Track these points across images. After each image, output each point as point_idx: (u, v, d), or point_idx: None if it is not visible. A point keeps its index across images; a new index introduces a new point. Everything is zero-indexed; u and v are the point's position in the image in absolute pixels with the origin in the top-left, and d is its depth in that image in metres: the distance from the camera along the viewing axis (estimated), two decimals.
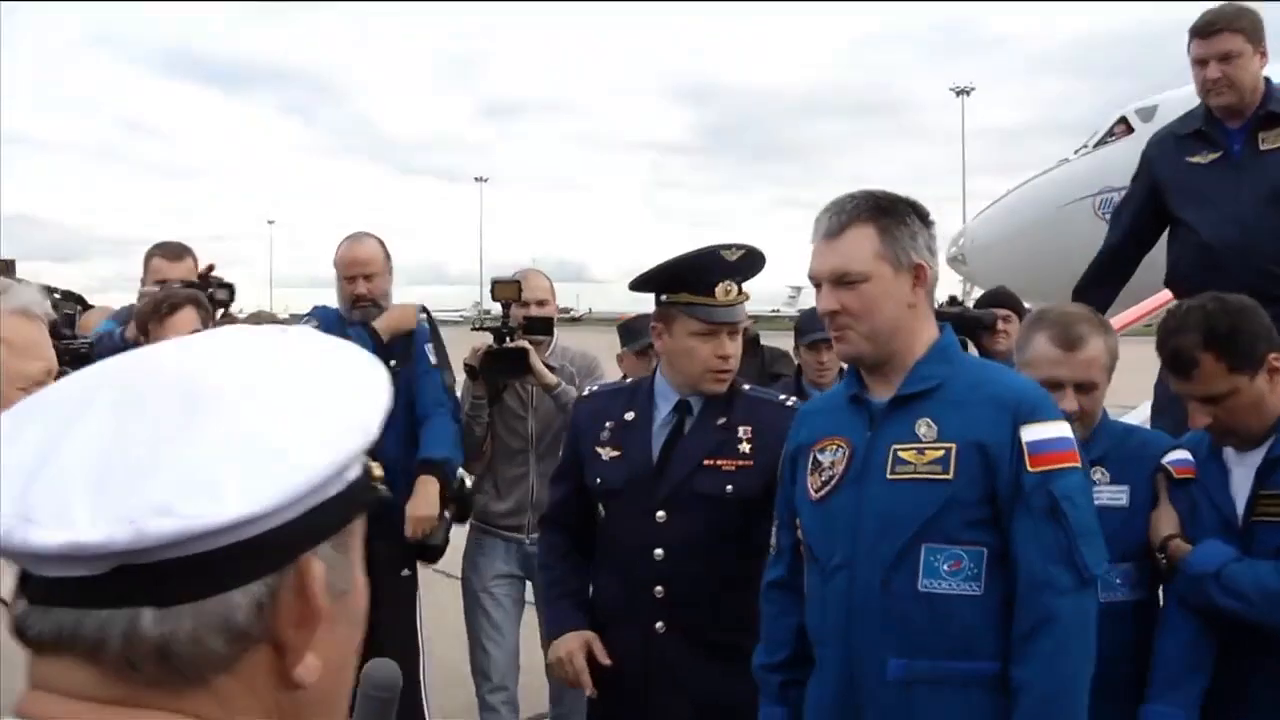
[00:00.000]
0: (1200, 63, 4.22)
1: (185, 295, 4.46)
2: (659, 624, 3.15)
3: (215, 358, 0.87)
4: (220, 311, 4.90)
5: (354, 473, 0.89)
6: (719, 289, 3.16)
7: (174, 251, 5.21)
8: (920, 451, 2.47)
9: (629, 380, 3.57)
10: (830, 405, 2.76)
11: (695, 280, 3.18)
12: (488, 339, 4.67)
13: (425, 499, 4.53)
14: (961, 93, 73.50)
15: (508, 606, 4.82)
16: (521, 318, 4.73)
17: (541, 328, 4.80)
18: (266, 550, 0.82)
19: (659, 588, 3.15)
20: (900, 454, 2.49)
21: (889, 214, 2.55)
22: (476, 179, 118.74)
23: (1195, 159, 4.34)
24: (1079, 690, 2.37)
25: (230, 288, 4.91)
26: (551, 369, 4.68)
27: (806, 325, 5.44)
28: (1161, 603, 2.88)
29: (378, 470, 0.95)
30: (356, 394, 0.89)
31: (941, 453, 2.45)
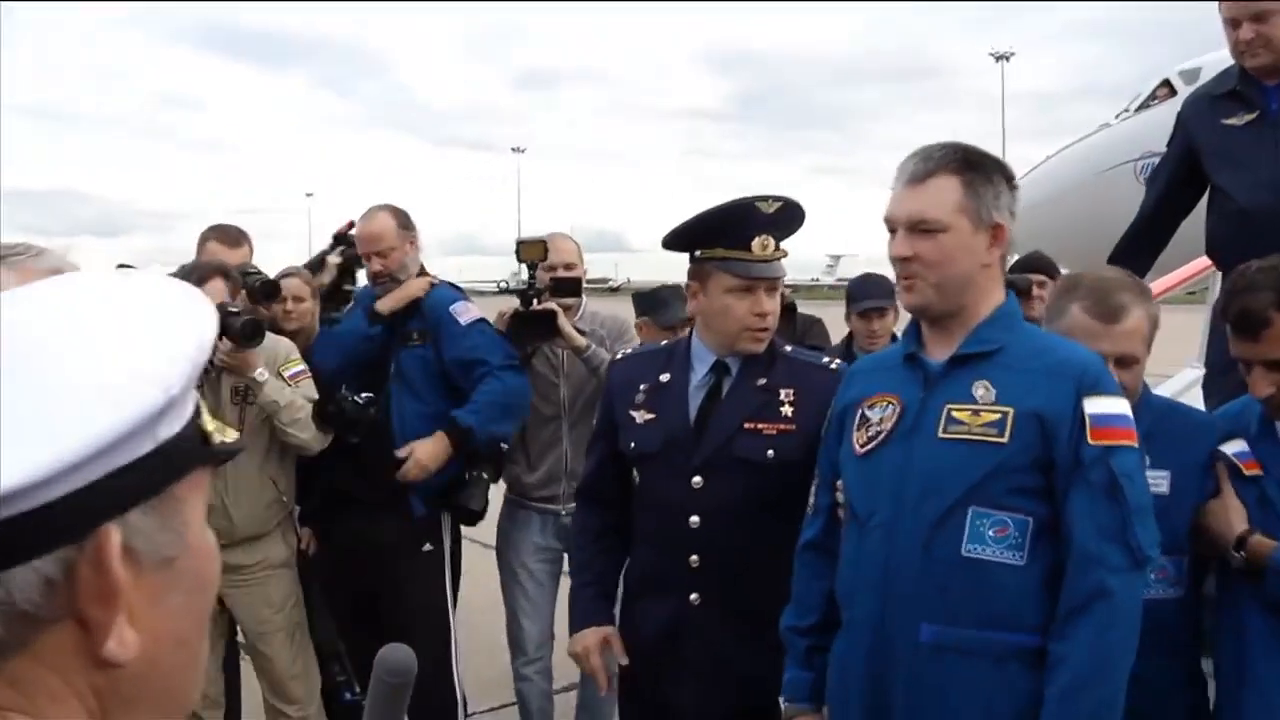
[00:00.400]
0: (1232, 23, 4.01)
1: (213, 267, 4.45)
2: (694, 595, 3.10)
3: (7, 311, 0.80)
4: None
5: (170, 429, 0.81)
6: (755, 243, 3.07)
7: (231, 237, 5.13)
8: (976, 413, 2.43)
9: (665, 343, 3.50)
10: (884, 364, 2.72)
11: (731, 234, 3.09)
12: (514, 303, 4.62)
13: (428, 449, 4.42)
14: (1001, 58, 72.63)
15: (543, 580, 4.78)
16: (549, 279, 4.62)
17: (569, 289, 4.69)
18: (50, 523, 0.74)
19: (694, 557, 3.09)
20: (954, 413, 2.45)
21: (976, 168, 2.50)
22: (513, 149, 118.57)
23: (1231, 120, 4.13)
24: (1120, 672, 2.31)
25: (272, 285, 4.75)
26: (581, 333, 4.61)
27: (858, 292, 5.43)
28: (1212, 601, 2.74)
29: (211, 424, 0.88)
30: (154, 345, 0.80)
31: (998, 416, 2.41)
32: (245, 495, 4.40)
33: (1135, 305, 2.72)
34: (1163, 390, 4.77)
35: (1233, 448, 2.71)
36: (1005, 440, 2.38)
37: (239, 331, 4.16)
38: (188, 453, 0.83)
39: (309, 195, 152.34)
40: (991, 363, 2.47)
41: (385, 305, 4.57)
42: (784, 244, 3.16)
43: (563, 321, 4.47)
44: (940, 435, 2.45)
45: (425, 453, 4.41)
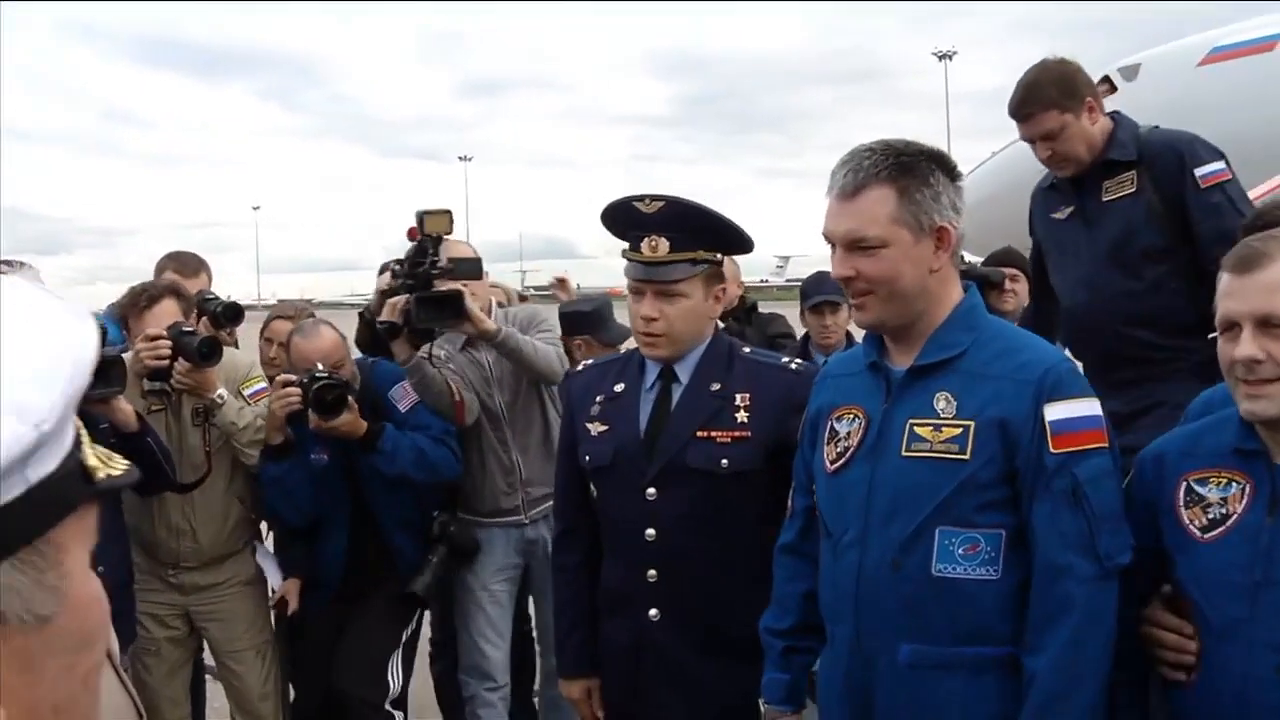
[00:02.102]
0: (1029, 142, 4.01)
1: (165, 286, 4.37)
2: (653, 611, 3.03)
3: None
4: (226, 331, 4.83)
5: (43, 468, 0.70)
6: (645, 245, 2.97)
7: (189, 266, 5.08)
8: (937, 429, 2.36)
9: (623, 350, 3.44)
10: (851, 369, 2.63)
11: (623, 235, 3.04)
12: (401, 299, 4.18)
13: (349, 419, 4.17)
14: (944, 57, 73.13)
15: (504, 601, 4.67)
16: (448, 259, 4.24)
17: (470, 271, 4.36)
18: None
19: (652, 571, 3.02)
20: (916, 429, 2.38)
21: (910, 172, 2.37)
22: (461, 158, 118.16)
23: (1056, 215, 4.13)
24: (1094, 684, 2.25)
25: (235, 308, 4.79)
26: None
27: (811, 289, 5.47)
28: None
29: (93, 457, 0.76)
30: (20, 371, 0.68)
31: (959, 430, 2.33)
32: (212, 516, 4.38)
33: None
34: None
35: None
36: (967, 457, 2.32)
37: (196, 351, 4.08)
38: (66, 493, 0.72)
39: (256, 208, 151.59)
40: (953, 369, 2.39)
41: (327, 431, 4.23)
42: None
43: (470, 303, 4.16)
44: (903, 453, 2.38)
45: (350, 422, 4.18)
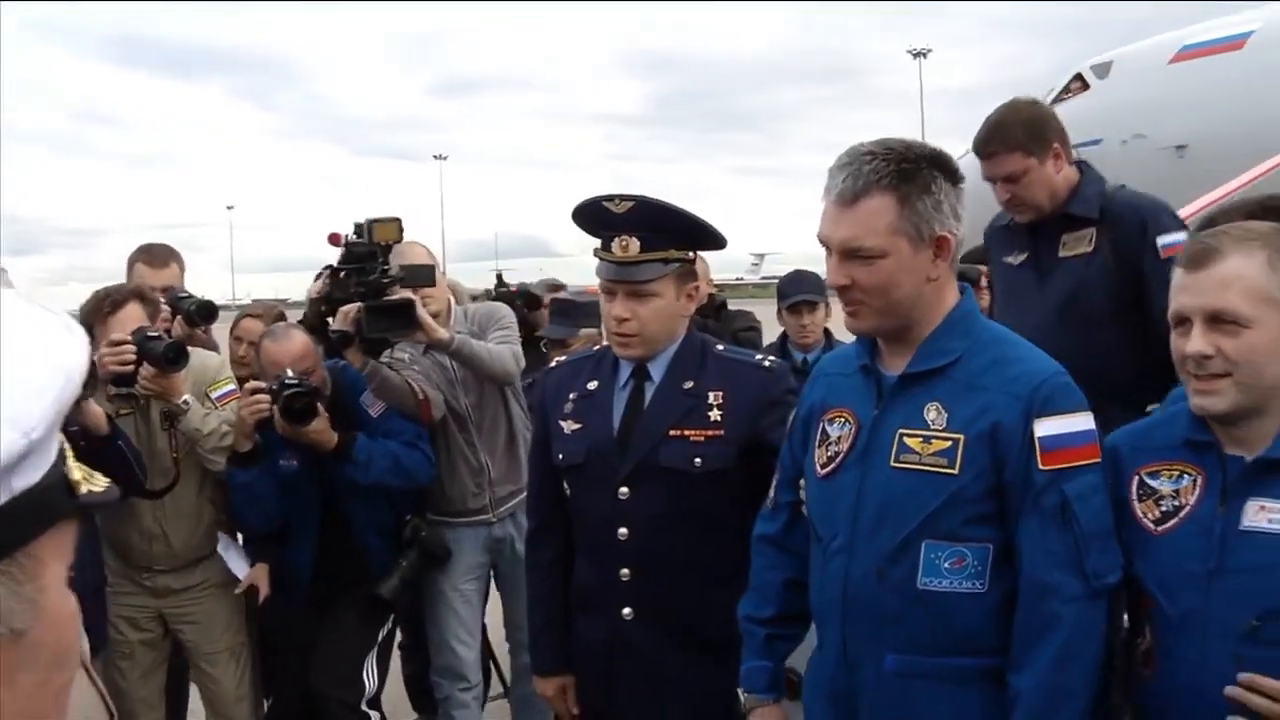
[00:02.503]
0: (990, 182, 3.87)
1: (130, 291, 4.32)
2: (626, 610, 3.03)
3: None
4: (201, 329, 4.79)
5: (28, 478, 0.70)
6: (615, 244, 2.96)
7: (159, 258, 5.01)
8: (926, 440, 2.32)
9: (597, 348, 3.40)
10: (845, 368, 2.57)
11: (595, 235, 3.04)
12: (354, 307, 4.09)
13: (322, 426, 4.15)
14: (918, 55, 73.35)
15: (473, 600, 4.70)
16: (400, 266, 4.18)
17: (423, 277, 4.31)
18: None
19: (625, 570, 3.02)
20: (906, 440, 2.34)
21: (911, 180, 2.29)
22: (436, 157, 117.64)
23: (1009, 259, 4.01)
24: (1079, 704, 2.23)
25: (209, 307, 4.75)
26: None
27: (788, 288, 5.49)
28: None
29: (78, 471, 0.76)
30: (12, 380, 0.68)
31: (948, 444, 2.30)
32: (184, 521, 4.35)
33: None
34: None
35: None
36: (956, 471, 2.28)
37: (161, 356, 4.03)
38: (49, 505, 0.71)
39: (230, 208, 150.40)
40: (945, 378, 2.35)
41: (297, 438, 4.22)
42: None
43: (422, 313, 4.10)
44: (893, 464, 2.35)
45: (320, 432, 4.17)
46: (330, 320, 4.15)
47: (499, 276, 6.05)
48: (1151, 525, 2.25)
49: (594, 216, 3.03)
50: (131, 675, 4.36)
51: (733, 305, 6.56)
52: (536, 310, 5.75)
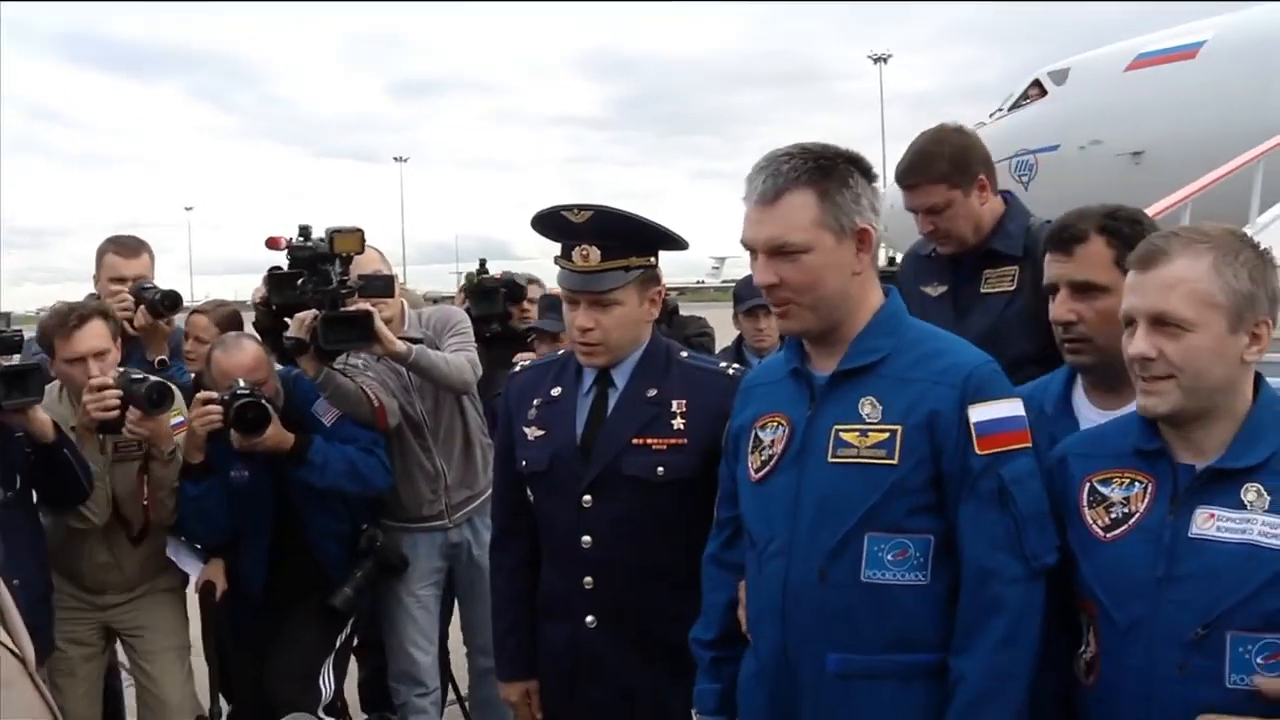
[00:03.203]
0: (913, 213, 3.73)
1: (93, 308, 4.21)
2: (589, 618, 3.01)
3: None
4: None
5: None
6: (576, 254, 2.95)
7: (129, 248, 4.89)
8: (863, 433, 2.34)
9: (562, 352, 3.35)
10: (772, 377, 2.60)
11: (553, 240, 3.02)
12: (311, 313, 4.06)
13: (275, 431, 4.10)
14: (879, 60, 73.76)
15: (431, 605, 4.69)
16: (357, 277, 4.13)
17: (380, 288, 4.26)
18: None
19: (588, 578, 3.00)
20: (842, 435, 2.36)
21: (829, 175, 2.35)
22: (396, 159, 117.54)
23: (927, 289, 3.84)
24: (1019, 686, 2.26)
25: (174, 296, 4.67)
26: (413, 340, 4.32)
27: (744, 292, 5.49)
28: None
29: None
30: None
31: (886, 435, 2.33)
32: (139, 551, 4.30)
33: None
34: None
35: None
36: (895, 462, 2.31)
37: (145, 398, 3.91)
38: None
39: (189, 209, 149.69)
40: (876, 374, 2.39)
41: (249, 448, 4.16)
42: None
43: (379, 324, 4.06)
44: (830, 460, 2.36)
45: (275, 436, 4.13)
46: (287, 320, 4.11)
47: (482, 263, 5.90)
48: (1101, 532, 2.25)
49: (554, 225, 3.00)
50: (73, 694, 4.26)
51: (694, 309, 6.57)
52: (519, 302, 5.67)
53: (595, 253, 2.93)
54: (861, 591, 2.33)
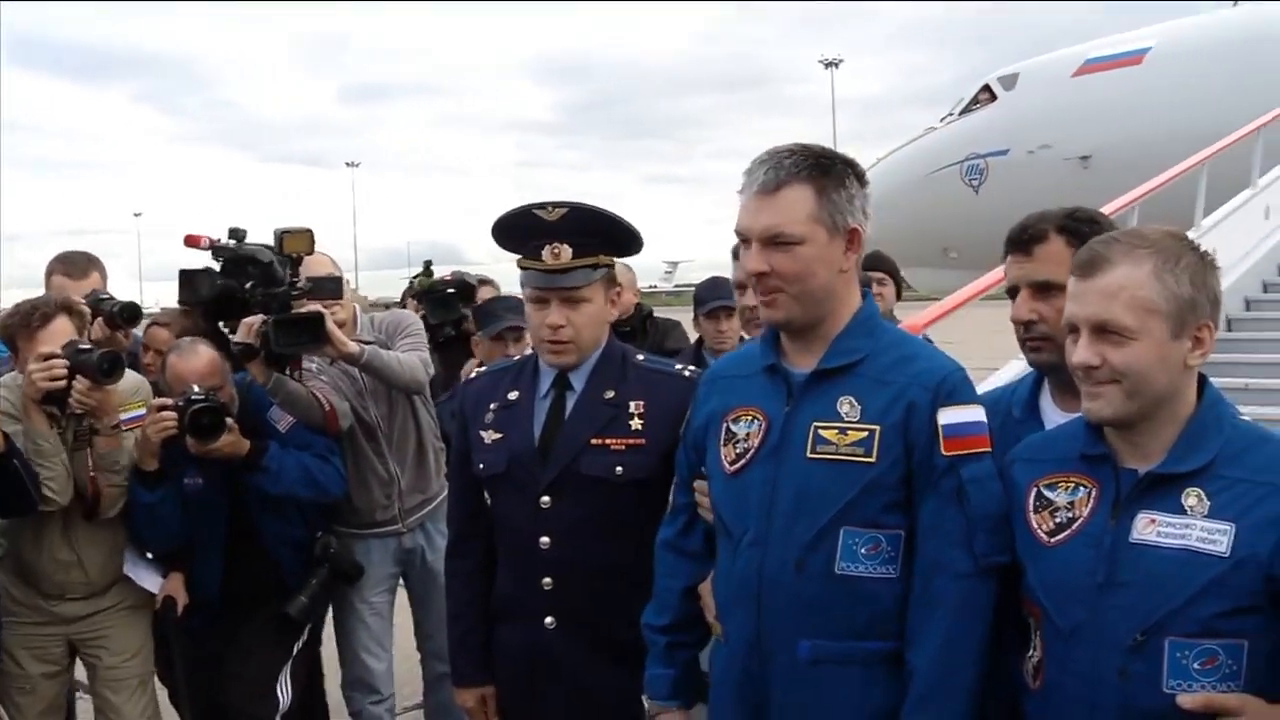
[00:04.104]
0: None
1: (59, 303, 4.11)
2: (548, 619, 3.01)
3: None
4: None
5: None
6: (546, 252, 2.96)
7: (78, 267, 4.75)
8: (843, 431, 2.41)
9: (517, 358, 3.37)
10: (743, 371, 2.64)
11: (522, 244, 3.02)
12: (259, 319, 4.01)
13: (232, 439, 4.04)
14: (830, 65, 74.18)
15: (383, 611, 4.67)
16: (307, 279, 4.11)
17: (330, 290, 4.24)
18: None
19: (547, 579, 3.00)
20: (821, 432, 2.42)
21: (828, 174, 2.44)
22: (348, 164, 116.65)
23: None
24: (968, 676, 2.33)
25: (132, 308, 4.55)
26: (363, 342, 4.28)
27: (705, 295, 5.49)
28: None
29: None
30: None
31: (865, 434, 2.40)
32: (100, 546, 4.19)
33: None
34: (992, 382, 4.92)
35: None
36: (874, 460, 2.38)
37: (95, 368, 3.84)
38: None
39: (138, 214, 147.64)
40: (855, 375, 2.45)
41: (205, 454, 4.08)
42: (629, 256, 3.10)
43: (331, 326, 4.04)
44: (809, 455, 2.42)
45: (232, 443, 4.06)
46: (223, 324, 4.08)
47: (427, 265, 5.84)
48: (1045, 537, 2.26)
49: (523, 226, 3.01)
50: (30, 712, 4.15)
51: (656, 314, 6.48)
52: (471, 301, 5.62)
53: (567, 251, 2.96)
54: (835, 582, 2.39)
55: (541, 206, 2.98)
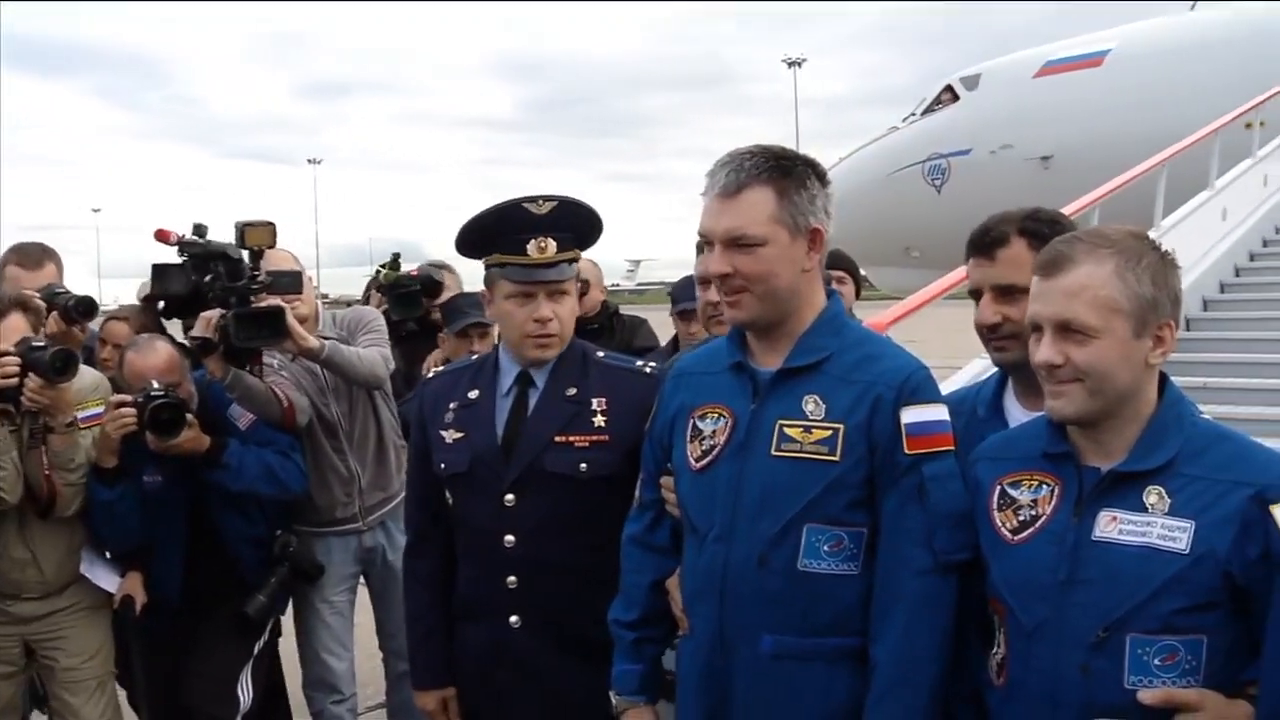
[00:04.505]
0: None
1: (12, 299, 4.06)
2: (513, 618, 3.01)
3: None
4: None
5: None
6: (531, 246, 2.96)
7: (32, 258, 4.66)
8: (807, 430, 2.44)
9: (475, 356, 3.37)
10: (710, 368, 2.66)
11: (505, 238, 3.01)
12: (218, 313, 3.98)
13: (193, 434, 4.03)
14: (794, 64, 74.40)
15: (344, 610, 4.65)
16: (266, 273, 4.07)
17: (290, 284, 4.22)
18: None
19: (511, 578, 3.00)
20: (786, 430, 2.45)
21: (789, 175, 2.46)
22: (310, 161, 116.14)
23: None
24: (930, 671, 2.35)
25: (88, 302, 4.46)
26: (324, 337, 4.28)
27: (678, 294, 5.46)
28: None
29: None
30: None
31: (829, 433, 2.42)
32: (56, 544, 4.12)
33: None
34: (955, 381, 4.94)
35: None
36: (837, 459, 2.40)
37: (49, 365, 3.79)
38: None
39: (96, 210, 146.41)
40: (820, 373, 2.47)
41: (165, 451, 4.06)
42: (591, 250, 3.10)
43: (292, 321, 4.03)
44: (773, 453, 2.44)
45: (192, 439, 4.04)
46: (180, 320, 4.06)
47: (395, 257, 5.74)
48: (1009, 534, 2.28)
49: (512, 219, 3.00)
50: None
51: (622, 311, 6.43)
52: (436, 297, 5.59)
53: (552, 244, 2.98)
54: (797, 579, 2.42)
55: (531, 200, 2.99)
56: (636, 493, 2.85)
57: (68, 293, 4.50)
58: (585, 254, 3.18)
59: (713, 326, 3.62)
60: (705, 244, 2.55)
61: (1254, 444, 2.19)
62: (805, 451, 2.42)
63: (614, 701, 2.79)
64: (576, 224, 3.06)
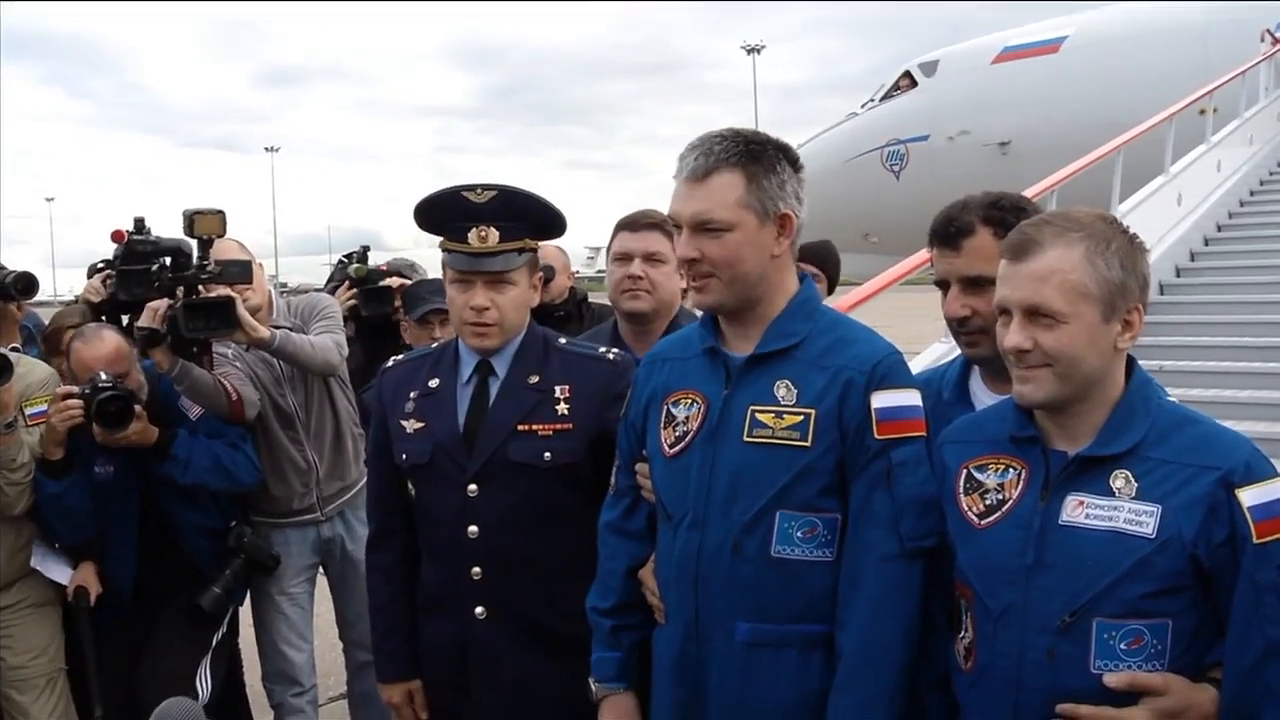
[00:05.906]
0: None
1: None
2: (479, 609, 2.98)
3: None
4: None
5: None
6: (472, 235, 2.93)
7: None
8: (779, 415, 2.43)
9: (435, 345, 3.33)
10: (684, 353, 2.65)
11: (447, 225, 2.98)
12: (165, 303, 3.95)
13: (140, 428, 3.97)
14: (753, 51, 74.38)
15: (303, 602, 4.61)
16: (215, 263, 4.01)
17: (239, 274, 4.11)
18: None
19: (476, 569, 2.97)
20: (758, 416, 2.44)
21: (758, 160, 2.44)
22: (267, 149, 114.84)
23: None
24: (895, 657, 2.35)
25: (28, 279, 4.42)
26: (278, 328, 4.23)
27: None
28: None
29: None
30: None
31: (800, 418, 2.41)
32: (4, 538, 4.05)
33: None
34: (914, 367, 4.94)
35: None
36: (809, 444, 2.39)
37: None
38: None
39: (49, 199, 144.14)
40: (791, 359, 2.46)
41: (113, 443, 4.00)
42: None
43: (242, 310, 3.98)
44: (745, 439, 2.44)
45: (140, 431, 3.99)
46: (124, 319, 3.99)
47: (364, 250, 5.63)
48: (975, 519, 2.27)
49: (450, 207, 2.97)
50: None
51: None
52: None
53: (494, 234, 2.94)
54: (771, 565, 2.41)
55: (470, 188, 2.95)
56: (612, 479, 2.82)
57: (4, 269, 4.42)
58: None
59: (625, 302, 3.55)
60: (675, 226, 2.54)
61: (1220, 427, 2.19)
62: (777, 437, 2.41)
63: (593, 689, 2.76)
64: (525, 214, 3.00)
